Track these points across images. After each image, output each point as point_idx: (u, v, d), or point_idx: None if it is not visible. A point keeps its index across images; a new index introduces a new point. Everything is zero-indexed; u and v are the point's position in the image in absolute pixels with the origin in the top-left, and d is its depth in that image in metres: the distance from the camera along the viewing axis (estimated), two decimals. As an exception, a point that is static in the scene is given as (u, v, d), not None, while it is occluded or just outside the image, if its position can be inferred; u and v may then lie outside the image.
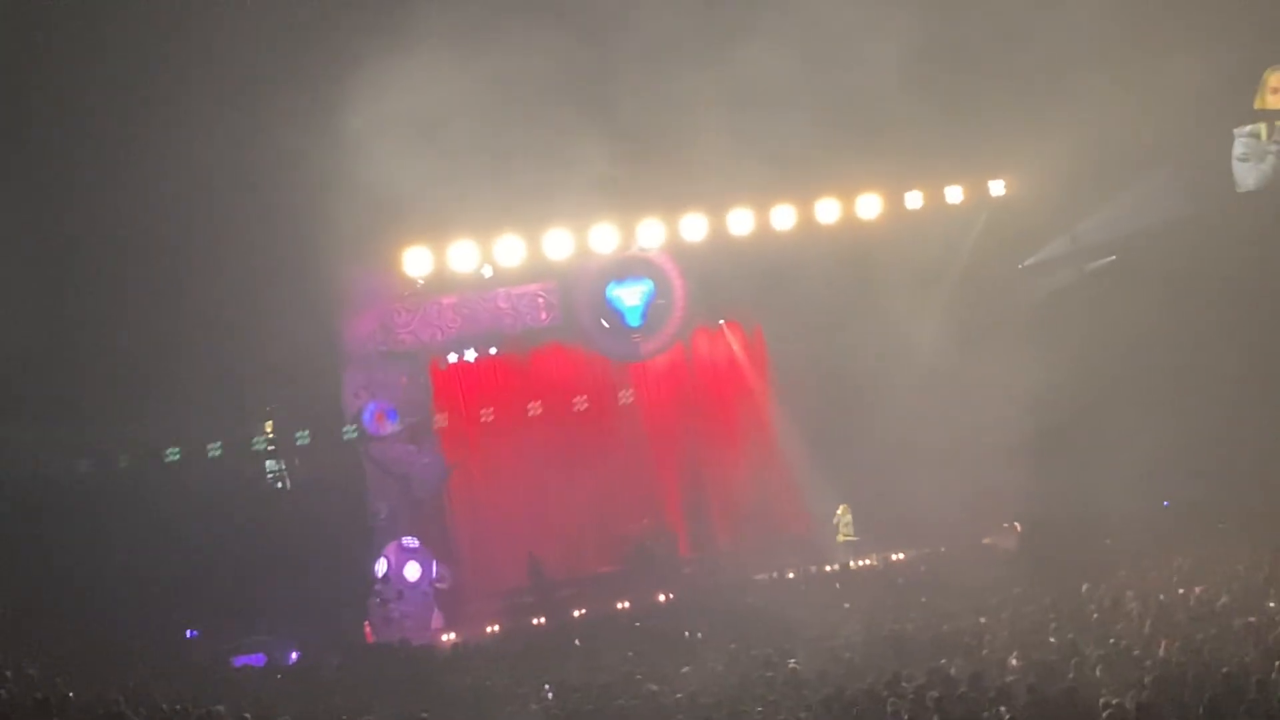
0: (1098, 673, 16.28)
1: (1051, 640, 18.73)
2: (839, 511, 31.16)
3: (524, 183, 27.34)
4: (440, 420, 31.40)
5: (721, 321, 34.02)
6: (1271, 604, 19.41)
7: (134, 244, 25.87)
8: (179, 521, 26.07)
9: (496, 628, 28.85)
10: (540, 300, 31.69)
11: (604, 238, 29.95)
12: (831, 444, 31.66)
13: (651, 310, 32.26)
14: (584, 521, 32.46)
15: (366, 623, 28.99)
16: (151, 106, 25.32)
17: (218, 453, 28.33)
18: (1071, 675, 16.04)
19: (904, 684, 16.23)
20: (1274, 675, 14.80)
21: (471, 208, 27.78)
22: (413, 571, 30.21)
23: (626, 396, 32.99)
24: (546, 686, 20.18)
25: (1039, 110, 28.28)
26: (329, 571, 27.79)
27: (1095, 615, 20.12)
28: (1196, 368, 28.53)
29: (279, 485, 30.17)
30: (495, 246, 29.34)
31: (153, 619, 25.60)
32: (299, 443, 29.47)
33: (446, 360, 31.82)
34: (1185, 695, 14.68)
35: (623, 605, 29.11)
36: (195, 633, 27.10)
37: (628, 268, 31.99)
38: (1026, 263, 32.84)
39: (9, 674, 18.35)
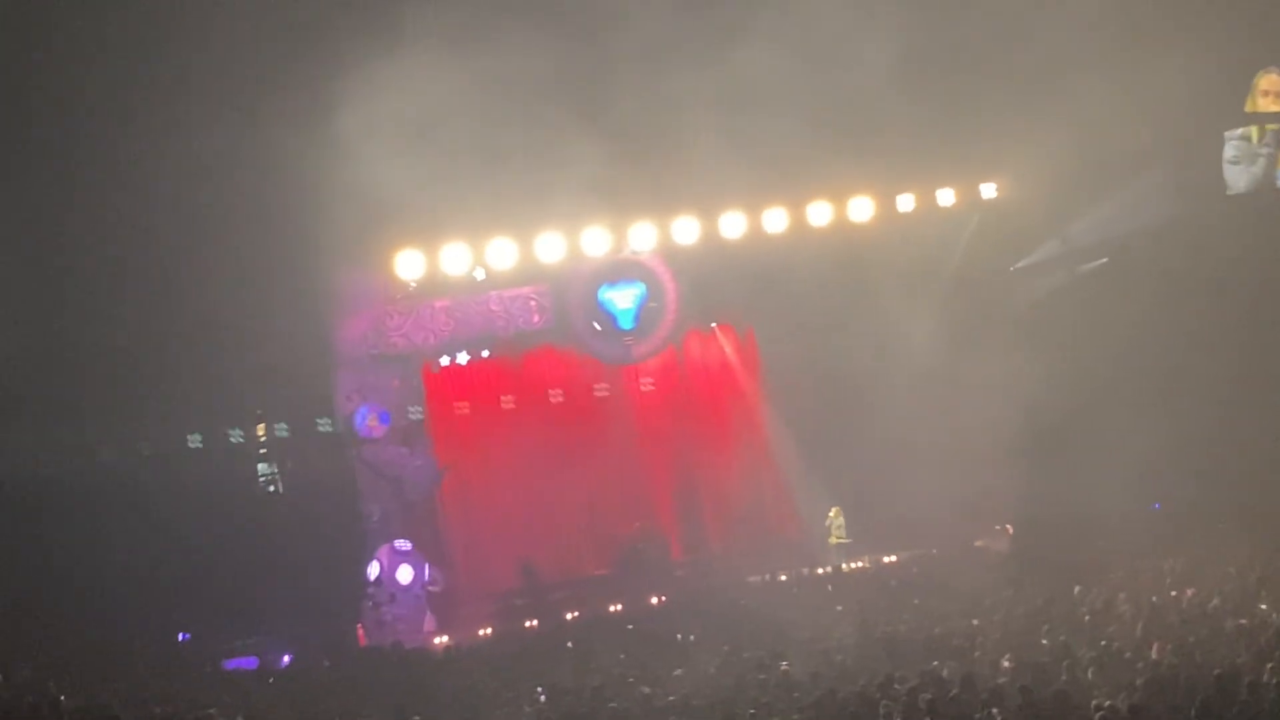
0: (1090, 675, 16.29)
1: (1044, 642, 18.75)
2: (831, 514, 31.18)
3: (516, 186, 27.33)
4: (433, 420, 31.41)
5: (714, 324, 34.05)
6: (1263, 606, 19.45)
7: (126, 246, 25.85)
8: (171, 524, 26.02)
9: (489, 630, 28.85)
10: (532, 303, 31.67)
11: (596, 240, 29.96)
12: (824, 446, 31.72)
13: (643, 313, 32.25)
14: (577, 524, 32.50)
15: (359, 626, 28.94)
16: (145, 109, 25.29)
17: (198, 444, 28.22)
18: (1064, 677, 16.06)
19: (896, 686, 16.24)
20: (1266, 677, 14.81)
21: (463, 211, 27.76)
22: (405, 574, 30.17)
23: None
24: (539, 689, 20.15)
25: (1031, 113, 28.31)
26: (321, 574, 27.74)
27: (1087, 617, 20.15)
28: (1188, 369, 28.58)
29: (271, 488, 30.11)
30: (487, 249, 29.32)
31: (144, 622, 25.53)
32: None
33: (439, 363, 31.81)
34: (1177, 697, 14.70)
35: (615, 608, 29.14)
36: (187, 635, 27.05)
37: (620, 270, 31.98)
38: (1018, 265, 32.89)
39: (0, 678, 18.35)
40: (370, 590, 29.49)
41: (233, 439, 29.31)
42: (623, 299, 32.14)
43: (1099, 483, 26.78)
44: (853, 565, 30.47)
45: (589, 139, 26.33)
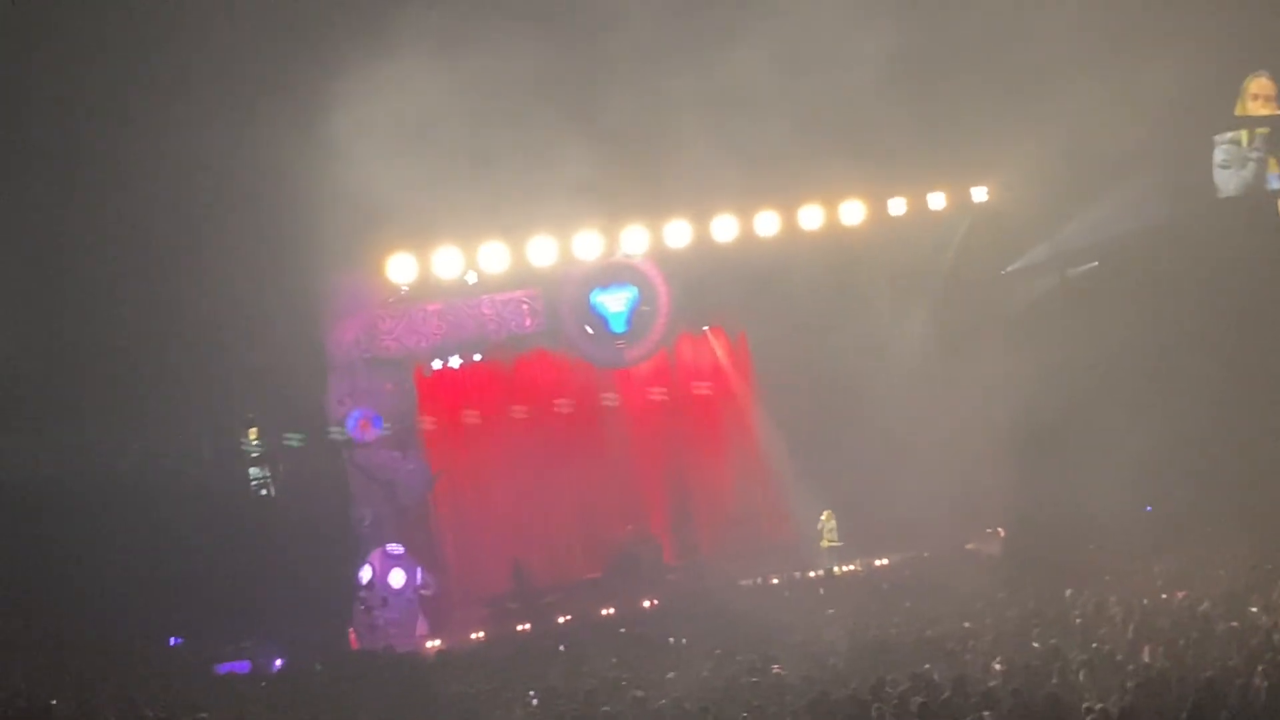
0: (1081, 677, 16.33)
1: (1035, 645, 18.77)
2: (823, 517, 31.19)
3: (508, 189, 27.34)
4: (426, 423, 31.41)
5: (706, 328, 34.07)
6: (1254, 609, 19.49)
7: (116, 250, 25.79)
8: (162, 528, 25.97)
9: (481, 634, 28.84)
10: (524, 307, 31.65)
11: (588, 244, 29.98)
12: (816, 449, 31.74)
13: (636, 317, 32.24)
14: (569, 527, 32.51)
15: (351, 630, 28.93)
16: (135, 112, 25.24)
17: (190, 447, 28.16)
18: (1055, 680, 16.08)
19: (888, 689, 16.26)
20: (1257, 680, 14.85)
21: (455, 214, 27.76)
22: (397, 578, 30.15)
23: (611, 399, 33.04)
24: (531, 693, 20.15)
25: (1021, 117, 28.39)
26: (314, 578, 27.71)
27: (1079, 620, 20.17)
28: (1178, 372, 28.63)
29: (263, 492, 30.09)
30: (479, 253, 29.31)
31: (136, 626, 25.51)
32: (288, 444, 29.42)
33: (431, 367, 31.80)
34: (1168, 700, 14.73)
35: (608, 611, 29.14)
36: (178, 640, 27.02)
37: (612, 274, 31.96)
38: (1009, 268, 32.93)
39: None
40: (362, 594, 29.45)
41: (227, 442, 29.30)
42: (615, 302, 32.12)
43: (1090, 486, 26.82)
44: (844, 568, 30.48)
45: (581, 142, 26.35)
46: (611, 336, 32.20)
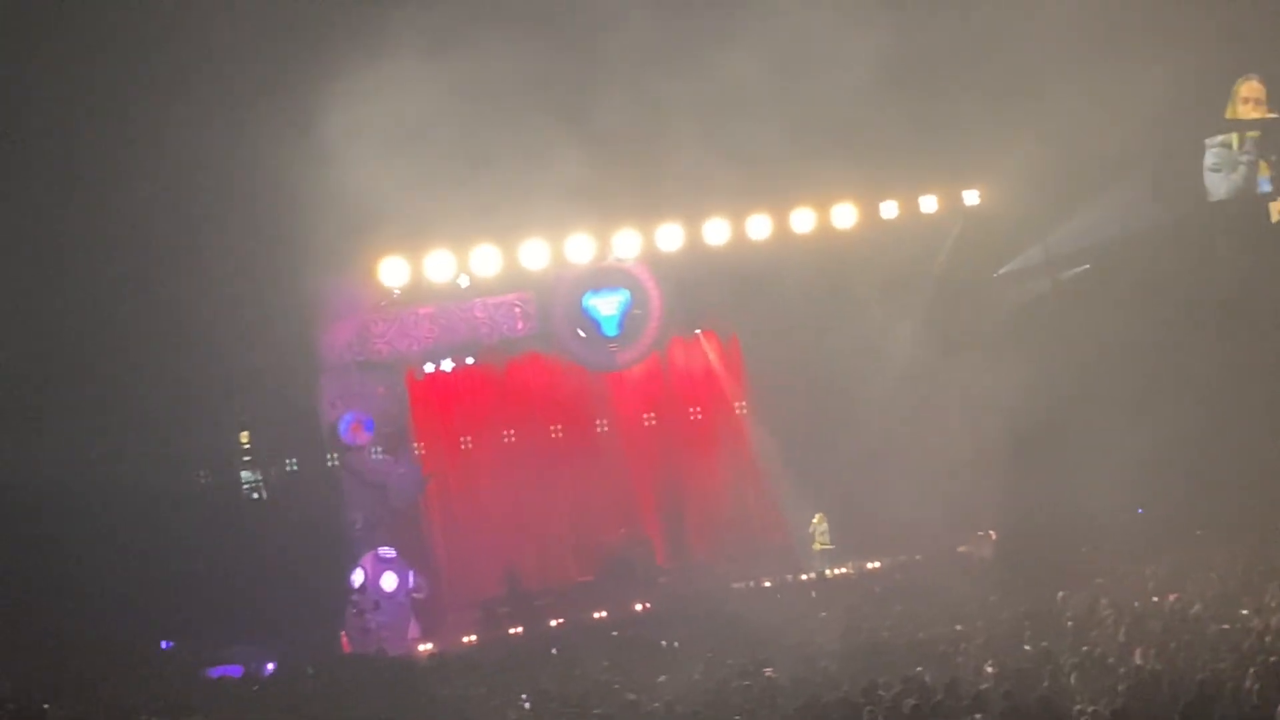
0: (1073, 680, 16.32)
1: (1027, 648, 18.79)
2: (815, 520, 31.24)
3: (500, 193, 27.32)
4: (418, 427, 31.41)
5: (698, 331, 34.08)
6: (1245, 611, 19.52)
7: (109, 253, 25.77)
8: (154, 532, 25.96)
9: (474, 637, 28.82)
10: (517, 310, 31.65)
11: (580, 248, 29.96)
12: (808, 452, 31.77)
13: (628, 320, 32.27)
14: (561, 531, 32.50)
15: (343, 633, 28.89)
16: (129, 116, 25.25)
17: (182, 450, 28.14)
18: (1047, 683, 16.09)
19: (880, 692, 16.25)
20: (1248, 683, 14.86)
21: (448, 217, 27.73)
22: (389, 581, 30.10)
23: (603, 403, 33.09)
24: (524, 696, 20.16)
25: (1013, 120, 28.43)
26: (305, 582, 27.67)
27: (1070, 623, 20.19)
28: (1170, 375, 28.68)
29: (255, 495, 30.05)
30: (472, 256, 29.30)
31: (128, 630, 25.47)
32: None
33: (423, 370, 31.79)
34: (1160, 703, 14.73)
35: (600, 614, 29.11)
36: (170, 643, 26.98)
37: (604, 278, 31.99)
38: (1001, 271, 32.98)
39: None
40: (354, 598, 29.39)
41: (220, 445, 29.27)
42: (607, 306, 32.15)
43: (1082, 488, 26.90)
44: (836, 571, 30.50)
45: (573, 146, 26.35)
46: (604, 340, 32.23)
